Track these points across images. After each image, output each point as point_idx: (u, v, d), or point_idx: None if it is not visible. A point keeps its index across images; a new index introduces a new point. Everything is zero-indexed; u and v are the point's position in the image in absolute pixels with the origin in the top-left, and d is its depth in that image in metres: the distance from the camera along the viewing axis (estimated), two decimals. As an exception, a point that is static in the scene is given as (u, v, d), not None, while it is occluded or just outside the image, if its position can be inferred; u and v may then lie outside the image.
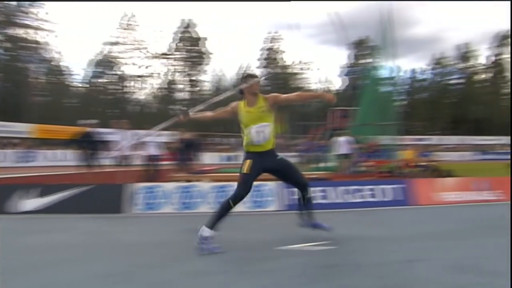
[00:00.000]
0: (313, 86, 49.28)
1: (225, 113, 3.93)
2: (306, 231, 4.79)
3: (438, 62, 53.97)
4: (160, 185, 6.56)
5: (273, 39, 48.82)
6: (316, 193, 6.40)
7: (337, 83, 53.67)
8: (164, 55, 44.74)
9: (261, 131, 3.71)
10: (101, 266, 3.30)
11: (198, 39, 45.82)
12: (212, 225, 3.68)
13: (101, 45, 42.55)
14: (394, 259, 3.43)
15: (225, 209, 3.71)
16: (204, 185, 6.60)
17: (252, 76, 3.92)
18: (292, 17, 78.52)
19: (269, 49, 48.86)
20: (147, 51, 43.14)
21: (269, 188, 6.45)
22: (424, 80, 55.33)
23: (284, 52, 49.25)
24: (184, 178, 8.91)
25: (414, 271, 3.09)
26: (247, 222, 5.54)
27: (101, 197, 6.32)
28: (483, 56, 53.20)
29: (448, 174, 11.41)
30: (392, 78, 17.24)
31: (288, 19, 71.96)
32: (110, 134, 10.49)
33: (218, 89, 48.34)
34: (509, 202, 6.98)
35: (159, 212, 6.19)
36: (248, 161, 3.76)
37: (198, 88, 47.66)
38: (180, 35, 45.76)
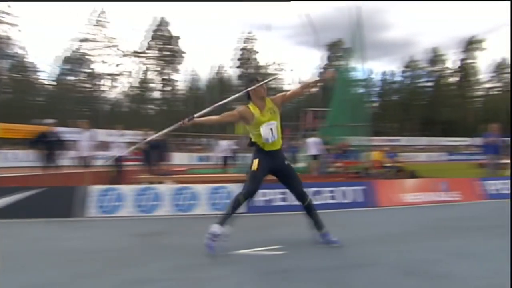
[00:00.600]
0: (288, 87, 49.64)
1: (231, 117, 3.91)
2: (261, 234, 4.72)
3: (409, 65, 55.44)
4: (116, 187, 6.31)
5: (248, 39, 48.76)
6: (277, 195, 6.39)
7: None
8: (136, 53, 43.83)
9: (269, 129, 3.78)
10: (36, 276, 3.09)
11: (172, 37, 45.18)
12: (222, 222, 3.73)
13: (71, 42, 41.32)
14: (347, 263, 3.39)
15: (235, 206, 3.77)
16: (163, 187, 6.40)
17: (258, 80, 3.93)
18: (268, 18, 78.80)
19: (244, 49, 48.74)
20: (119, 49, 42.16)
21: (231, 191, 6.32)
22: (395, 82, 56.71)
23: (258, 52, 49.34)
24: (149, 179, 8.69)
25: (365, 275, 3.06)
26: (204, 226, 5.40)
27: (55, 200, 5.99)
28: (451, 60, 55.14)
29: (413, 174, 11.63)
30: (363, 80, 17.49)
31: (262, 19, 72.01)
32: (72, 133, 10.08)
33: (191, 89, 47.86)
34: (469, 202, 7.22)
35: (114, 215, 5.94)
36: (256, 160, 3.83)
37: (171, 87, 47.00)
38: (153, 33, 44.99)
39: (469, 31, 76.57)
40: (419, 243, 4.12)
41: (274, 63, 49.12)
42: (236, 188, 6.37)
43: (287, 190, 6.36)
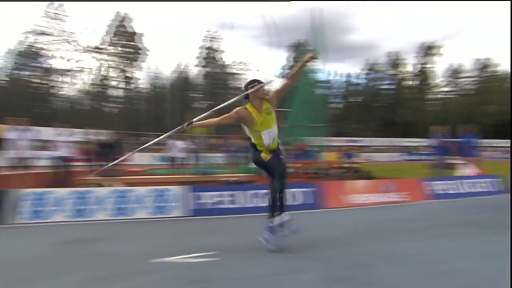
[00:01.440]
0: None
1: (229, 119, 3.97)
2: (199, 239, 4.51)
3: (371, 68, 56.97)
4: (51, 190, 5.87)
5: (212, 38, 48.04)
6: (225, 197, 6.21)
7: (276, 84, 53.82)
8: (96, 49, 42.07)
9: (270, 135, 3.96)
10: None
11: (134, 34, 43.79)
12: (280, 211, 3.92)
13: (24, 35, 38.92)
14: (276, 270, 3.25)
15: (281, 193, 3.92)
16: (103, 190, 6.04)
17: (258, 81, 4.04)
18: (234, 17, 78.43)
19: (209, 48, 48.01)
20: (78, 44, 40.25)
21: (174, 193, 6.07)
22: (358, 84, 58.11)
23: (223, 51, 48.66)
24: (96, 181, 8.28)
25: (288, 284, 2.94)
26: (144, 230, 5.14)
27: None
28: (411, 64, 57.20)
29: (369, 175, 11.79)
30: (325, 81, 17.67)
31: (227, 19, 71.44)
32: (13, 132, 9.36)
33: (154, 87, 46.64)
34: (416, 203, 7.35)
35: (47, 221, 5.52)
36: (262, 154, 3.97)
37: (133, 86, 45.57)
38: (114, 29, 43.36)
39: (428, 37, 79.77)
40: (357, 247, 4.06)
41: (240, 62, 48.88)
42: (180, 191, 6.13)
43: (235, 193, 6.33)
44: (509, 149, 43.41)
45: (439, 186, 8.13)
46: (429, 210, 6.70)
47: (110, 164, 5.77)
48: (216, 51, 47.91)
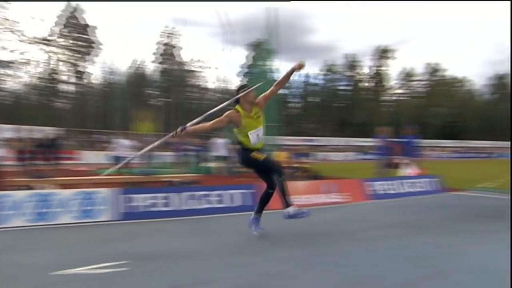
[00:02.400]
0: (210, 85, 49.15)
1: (221, 123, 4.10)
2: (109, 247, 4.16)
3: (329, 69, 58.21)
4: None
5: (170, 34, 46.76)
6: (158, 199, 5.92)
7: (234, 83, 53.32)
8: (44, 41, 39.53)
9: (257, 135, 4.14)
10: None
11: (86, 26, 41.75)
12: (288, 203, 4.15)
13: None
14: (186, 281, 3.05)
15: (285, 186, 4.14)
16: (21, 194, 5.51)
17: (248, 86, 4.21)
18: (193, 14, 77.22)
19: (166, 44, 46.71)
20: (22, 34, 37.52)
21: (102, 196, 5.68)
22: (316, 85, 59.21)
23: (181, 48, 47.55)
24: (27, 183, 7.71)
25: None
26: (66, 237, 4.73)
27: None
28: (367, 66, 59.10)
29: (317, 175, 11.85)
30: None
31: (182, 15, 70.10)
32: None
33: (108, 83, 44.81)
34: (356, 203, 7.41)
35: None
36: (253, 153, 4.14)
37: (85, 80, 43.46)
38: (65, 20, 41.04)
39: (383, 41, 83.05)
40: (281, 252, 3.91)
41: (198, 60, 48.13)
42: (109, 193, 5.74)
43: (170, 195, 6.04)
44: (455, 149, 46.29)
45: (380, 186, 8.26)
46: (367, 211, 6.74)
47: (123, 162, 5.73)
48: (174, 47, 46.79)
